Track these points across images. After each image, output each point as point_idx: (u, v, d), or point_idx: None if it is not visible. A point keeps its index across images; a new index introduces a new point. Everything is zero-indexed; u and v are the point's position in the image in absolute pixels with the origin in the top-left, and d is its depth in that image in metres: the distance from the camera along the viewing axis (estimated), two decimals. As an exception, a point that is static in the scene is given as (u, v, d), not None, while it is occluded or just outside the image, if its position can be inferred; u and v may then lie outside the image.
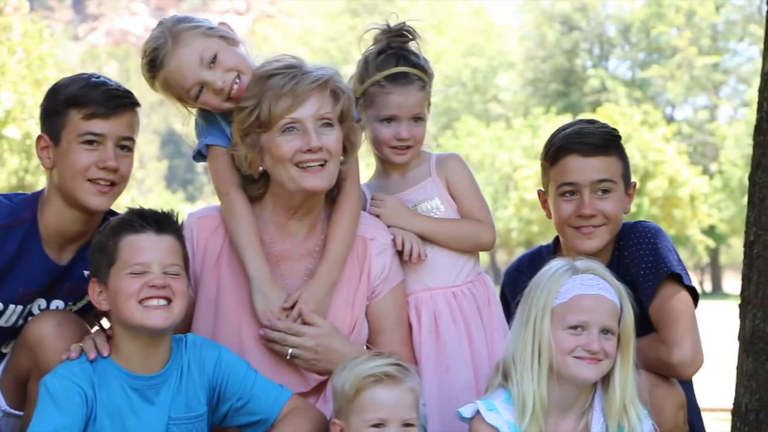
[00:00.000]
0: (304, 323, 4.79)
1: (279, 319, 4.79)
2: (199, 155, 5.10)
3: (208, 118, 5.03)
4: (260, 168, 4.86)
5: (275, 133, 4.75)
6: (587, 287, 4.39)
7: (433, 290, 5.12)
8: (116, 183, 4.90)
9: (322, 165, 4.76)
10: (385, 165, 5.25)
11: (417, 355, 5.09)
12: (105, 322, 4.71)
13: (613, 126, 5.42)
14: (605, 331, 4.36)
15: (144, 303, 4.36)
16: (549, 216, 5.38)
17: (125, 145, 4.90)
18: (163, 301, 4.39)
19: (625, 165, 5.32)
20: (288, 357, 4.79)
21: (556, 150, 5.28)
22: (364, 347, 5.03)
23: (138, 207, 4.56)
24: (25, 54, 32.25)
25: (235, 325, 4.89)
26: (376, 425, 4.23)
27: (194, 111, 5.06)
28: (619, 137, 5.34)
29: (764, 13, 5.72)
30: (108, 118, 4.82)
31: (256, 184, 4.94)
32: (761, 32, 5.72)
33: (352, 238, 4.94)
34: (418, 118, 5.10)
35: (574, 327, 4.35)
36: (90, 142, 4.82)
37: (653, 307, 5.06)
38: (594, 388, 4.48)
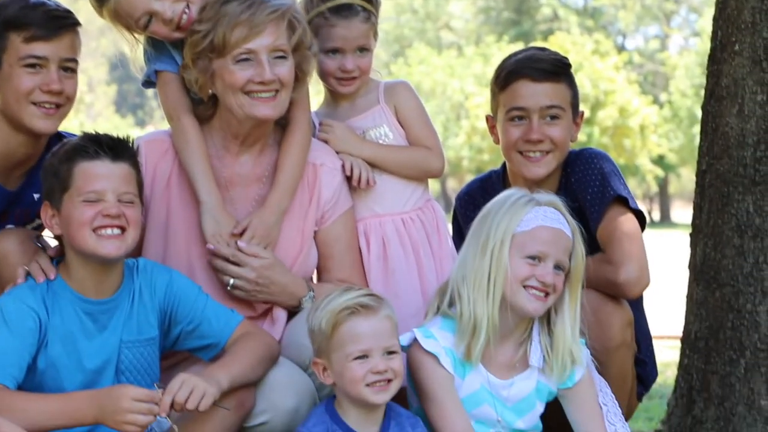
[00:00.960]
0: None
1: (228, 244, 4.77)
2: (149, 82, 5.05)
3: (157, 45, 4.96)
4: (210, 92, 4.83)
5: (228, 60, 4.71)
6: (550, 220, 4.40)
7: (382, 217, 5.12)
8: (62, 105, 4.82)
9: (273, 95, 4.74)
10: (333, 93, 5.22)
11: (367, 281, 5.10)
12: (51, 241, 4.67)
13: (564, 55, 5.42)
14: (558, 266, 4.38)
15: (98, 232, 4.32)
16: (496, 142, 5.38)
17: (68, 67, 4.82)
18: (117, 230, 4.35)
19: (574, 93, 5.33)
20: (228, 287, 4.78)
21: (507, 74, 5.28)
22: (312, 276, 5.05)
23: (94, 132, 4.50)
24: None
25: (184, 248, 4.88)
26: (359, 357, 4.20)
27: (142, 39, 4.99)
28: (569, 65, 5.35)
29: (717, -58, 5.71)
30: (49, 40, 4.73)
31: (205, 106, 4.91)
32: (715, -39, 5.72)
33: (302, 165, 4.92)
34: (363, 49, 5.07)
35: (532, 257, 4.36)
36: (32, 66, 4.73)
37: (600, 229, 5.10)
38: (533, 320, 4.51)
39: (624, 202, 5.14)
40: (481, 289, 4.36)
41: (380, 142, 5.12)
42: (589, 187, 5.18)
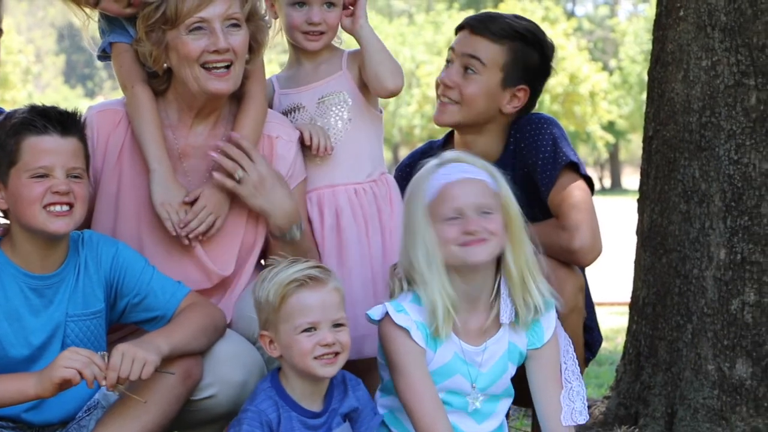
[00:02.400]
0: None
1: (177, 212, 4.73)
2: (104, 55, 5.01)
3: (110, 18, 4.90)
4: (164, 65, 4.79)
5: (181, 31, 4.67)
6: (450, 175, 4.37)
7: (336, 187, 5.09)
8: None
9: (227, 67, 4.70)
10: (298, 55, 5.18)
11: (320, 251, 5.07)
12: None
13: (534, 28, 5.37)
14: (483, 211, 4.36)
15: (47, 208, 4.27)
16: None
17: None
18: (65, 207, 4.30)
19: (514, 62, 5.25)
20: (236, 178, 4.74)
21: (460, 25, 5.32)
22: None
23: (41, 105, 4.42)
24: None
25: (134, 220, 4.83)
26: (306, 330, 4.18)
27: (94, 14, 4.94)
28: (525, 35, 5.27)
29: None
30: None
31: (159, 79, 4.86)
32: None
33: (257, 137, 4.88)
34: (331, 3, 5.03)
35: (451, 218, 4.36)
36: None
37: (552, 195, 5.09)
38: (497, 277, 4.49)
39: (575, 168, 5.14)
40: (424, 269, 4.35)
41: (339, 108, 5.08)
42: (540, 152, 5.15)
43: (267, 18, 4.92)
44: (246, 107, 4.89)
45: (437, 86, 5.33)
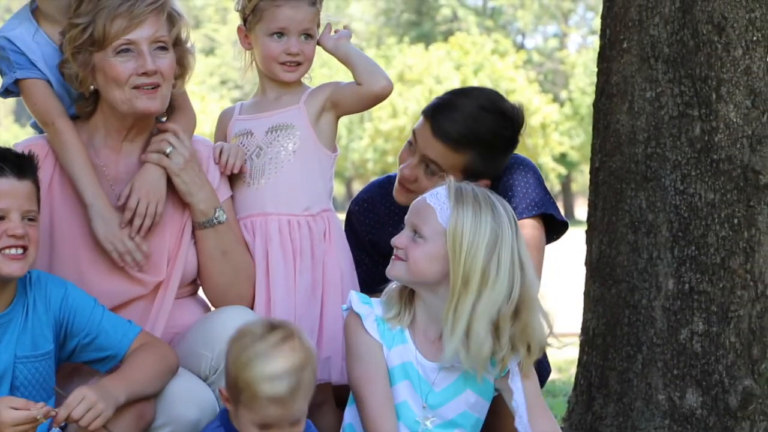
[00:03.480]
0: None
1: (122, 242, 4.72)
2: (8, 92, 4.97)
3: (13, 53, 4.86)
4: (91, 87, 4.79)
5: (109, 53, 4.68)
6: None
7: (269, 215, 5.08)
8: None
9: (154, 88, 4.71)
10: (264, 84, 5.18)
11: None
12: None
13: (477, 128, 5.18)
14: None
15: (2, 251, 4.25)
16: None
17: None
18: (20, 250, 4.28)
19: (476, 164, 5.12)
20: (167, 151, 4.78)
21: (424, 112, 5.21)
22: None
23: None
24: None
25: (71, 252, 4.79)
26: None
27: None
28: (486, 139, 5.13)
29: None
30: None
31: (86, 102, 4.87)
32: (606, -40, 5.77)
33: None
34: (308, 35, 5.06)
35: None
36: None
37: None
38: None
39: (546, 217, 5.13)
40: None
41: (285, 140, 5.08)
42: (511, 192, 5.12)
43: (192, 45, 4.94)
44: (174, 118, 4.94)
45: (400, 163, 5.25)
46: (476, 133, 5.10)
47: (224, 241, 4.88)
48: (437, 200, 4.38)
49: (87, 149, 4.82)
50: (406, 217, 4.43)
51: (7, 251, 4.25)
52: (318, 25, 5.13)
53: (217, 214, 4.87)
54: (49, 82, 4.86)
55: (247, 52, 5.18)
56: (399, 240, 4.40)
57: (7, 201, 4.26)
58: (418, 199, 4.45)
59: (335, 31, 5.15)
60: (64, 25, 4.83)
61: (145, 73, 4.67)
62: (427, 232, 4.36)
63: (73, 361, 4.59)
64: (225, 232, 4.89)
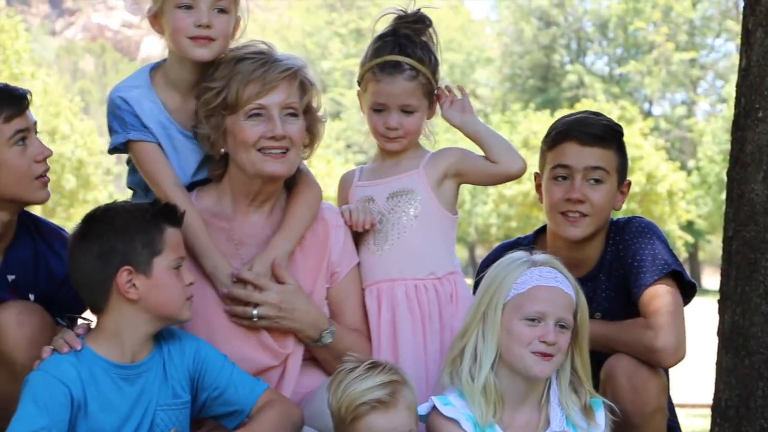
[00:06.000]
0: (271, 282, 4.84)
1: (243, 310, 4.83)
2: (115, 149, 5.09)
3: (128, 114, 4.99)
4: (222, 150, 4.88)
5: (240, 116, 4.78)
6: (545, 279, 4.42)
7: (395, 281, 5.10)
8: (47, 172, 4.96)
9: (283, 152, 4.78)
10: (381, 149, 5.25)
11: (375, 344, 5.09)
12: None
13: (617, 123, 5.45)
14: (561, 324, 4.38)
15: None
16: (541, 200, 5.39)
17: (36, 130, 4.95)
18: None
19: (622, 161, 5.35)
20: (253, 319, 4.81)
21: (556, 135, 5.34)
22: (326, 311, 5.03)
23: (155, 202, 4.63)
24: (2, 49, 32.24)
25: (202, 315, 4.84)
26: None
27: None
28: (620, 132, 5.38)
29: (741, 9, 5.72)
30: (22, 114, 4.85)
31: (216, 164, 4.96)
32: (738, 28, 5.76)
33: (310, 216, 4.97)
34: (409, 110, 5.08)
35: (532, 319, 4.37)
36: (22, 140, 4.85)
37: (643, 296, 5.09)
38: (548, 382, 4.50)
39: (674, 276, 5.14)
40: (479, 357, 4.41)
41: (406, 206, 5.11)
42: (639, 257, 5.17)
43: (322, 114, 5.01)
44: (300, 188, 5.00)
45: (554, 204, 5.30)
46: (610, 123, 5.35)
47: (336, 350, 4.91)
48: (568, 286, 4.47)
49: (215, 214, 4.93)
50: (544, 310, 4.42)
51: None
52: (427, 97, 5.12)
53: (323, 337, 4.93)
54: (160, 145, 4.96)
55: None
56: (549, 336, 4.39)
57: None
58: (554, 290, 4.45)
59: (450, 101, 5.15)
60: (180, 93, 4.95)
61: (273, 137, 4.75)
62: (571, 320, 4.44)
63: (203, 416, 4.67)
64: (336, 343, 4.94)
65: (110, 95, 5.01)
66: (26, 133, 4.84)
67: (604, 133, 5.29)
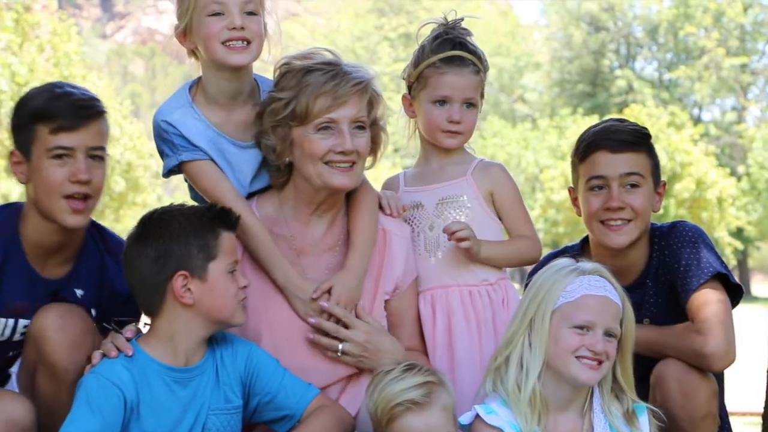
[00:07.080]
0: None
1: (328, 318, 4.82)
2: (170, 172, 5.07)
3: (177, 137, 4.98)
4: (287, 160, 4.85)
5: (309, 129, 4.77)
6: (595, 288, 4.42)
7: (449, 287, 5.10)
8: (90, 196, 4.80)
9: (350, 165, 4.76)
10: (427, 153, 5.26)
11: (430, 351, 5.10)
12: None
13: (642, 125, 5.41)
14: (608, 333, 4.36)
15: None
16: (579, 214, 5.39)
17: (96, 155, 4.81)
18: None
19: (655, 163, 5.33)
20: (338, 354, 4.80)
21: (586, 146, 5.32)
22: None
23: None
24: (53, 52, 32.47)
25: (266, 323, 4.88)
26: None
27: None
28: (648, 135, 5.36)
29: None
30: (76, 130, 4.73)
31: (280, 173, 4.95)
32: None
33: (375, 228, 4.97)
34: (471, 104, 5.10)
35: (580, 327, 4.36)
36: (60, 156, 4.73)
37: (691, 300, 5.07)
38: (590, 389, 4.49)
39: (720, 278, 5.11)
40: (526, 362, 4.41)
41: (456, 212, 5.11)
42: (685, 261, 5.15)
43: (384, 122, 5.00)
44: (360, 200, 4.98)
45: (594, 214, 5.29)
46: (637, 127, 5.33)
47: None
48: (616, 296, 4.48)
49: (276, 222, 4.93)
50: (593, 319, 4.42)
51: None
52: (482, 96, 5.15)
53: None
54: (213, 161, 4.95)
55: (411, 120, 5.23)
56: (598, 346, 4.38)
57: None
58: (603, 300, 4.45)
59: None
60: (221, 106, 4.93)
61: (342, 152, 4.74)
62: (618, 329, 4.45)
63: (254, 422, 4.69)
64: None
65: (154, 119, 5.00)
66: (69, 152, 4.73)
67: (634, 138, 5.28)
